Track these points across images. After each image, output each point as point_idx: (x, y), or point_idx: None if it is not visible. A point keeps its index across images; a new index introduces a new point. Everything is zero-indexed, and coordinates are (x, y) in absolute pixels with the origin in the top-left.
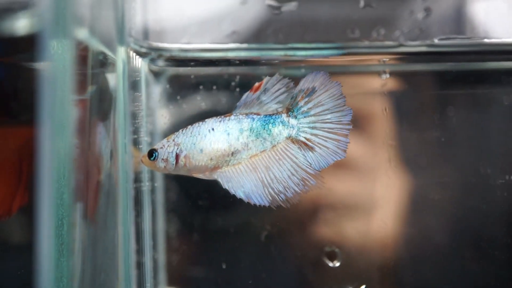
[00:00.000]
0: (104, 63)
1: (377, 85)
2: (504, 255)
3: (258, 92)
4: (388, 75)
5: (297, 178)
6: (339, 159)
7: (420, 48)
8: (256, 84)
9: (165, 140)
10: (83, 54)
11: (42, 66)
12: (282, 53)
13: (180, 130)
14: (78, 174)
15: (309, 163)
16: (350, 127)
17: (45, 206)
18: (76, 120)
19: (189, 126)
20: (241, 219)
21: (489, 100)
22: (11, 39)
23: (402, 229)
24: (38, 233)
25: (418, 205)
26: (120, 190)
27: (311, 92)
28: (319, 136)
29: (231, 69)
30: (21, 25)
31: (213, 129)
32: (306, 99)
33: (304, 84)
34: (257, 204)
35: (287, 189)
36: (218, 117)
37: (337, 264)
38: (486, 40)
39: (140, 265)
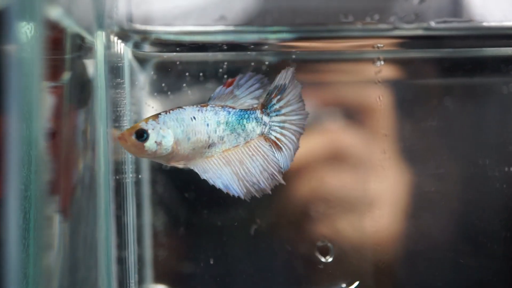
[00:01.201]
0: (82, 47)
1: (371, 72)
2: (501, 249)
3: (230, 87)
4: (382, 62)
5: (268, 174)
6: (291, 162)
7: (416, 31)
8: (229, 80)
9: (152, 121)
10: (57, 36)
11: (8, 48)
12: (271, 36)
13: (163, 113)
14: (51, 165)
15: (277, 160)
16: (303, 132)
17: (11, 198)
18: (48, 107)
19: (171, 111)
20: (230, 212)
21: (488, 89)
22: None
23: (397, 223)
24: (4, 228)
25: (414, 198)
26: (101, 181)
27: (282, 90)
28: (286, 137)
29: (219, 56)
30: None
31: (194, 117)
32: (279, 97)
33: (278, 80)
34: (235, 195)
35: (260, 182)
36: (195, 106)
37: (330, 259)
38: (484, 24)
39: (123, 260)
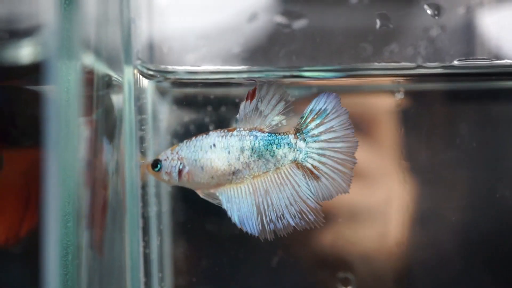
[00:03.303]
0: (109, 84)
1: (391, 104)
2: None
3: (254, 101)
4: (402, 95)
5: (295, 209)
6: (343, 193)
7: (438, 70)
8: (250, 91)
9: (169, 151)
10: (89, 77)
11: (47, 89)
12: (291, 73)
13: (185, 142)
14: (87, 199)
15: (312, 193)
16: (357, 161)
17: (52, 233)
18: (84, 141)
19: (193, 138)
20: (251, 243)
21: (506, 118)
22: (11, 66)
23: (416, 251)
24: (44, 261)
25: (433, 228)
26: (128, 214)
27: (322, 114)
28: (327, 166)
29: (240, 90)
30: (25, 52)
31: (214, 145)
32: (318, 122)
33: (315, 104)
34: (248, 232)
35: (279, 219)
36: (221, 130)
37: None
38: (507, 61)
39: None
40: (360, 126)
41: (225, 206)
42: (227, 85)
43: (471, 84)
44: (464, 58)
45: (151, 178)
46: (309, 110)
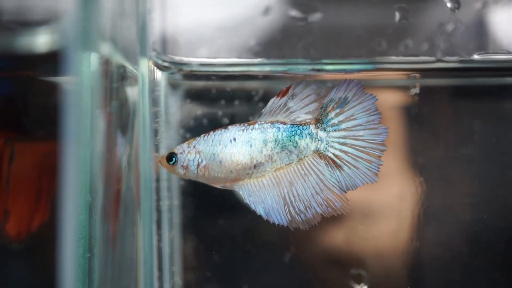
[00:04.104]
0: (124, 76)
1: (405, 100)
2: None
3: (285, 98)
4: (418, 90)
5: (321, 198)
6: (369, 183)
7: (457, 64)
8: (284, 88)
9: (185, 144)
10: (105, 68)
11: (63, 80)
12: (307, 67)
13: (202, 136)
14: (101, 192)
15: (336, 182)
16: (385, 148)
17: (67, 225)
18: (101, 133)
19: (211, 133)
20: (264, 239)
21: None
22: (26, 55)
23: (429, 248)
24: (60, 254)
25: (446, 225)
26: (143, 206)
27: (343, 102)
28: (349, 154)
29: (254, 83)
30: (41, 41)
31: (234, 139)
32: (337, 111)
33: (336, 93)
34: (276, 223)
35: (308, 209)
36: (241, 124)
37: (365, 287)
38: None
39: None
40: None
41: (247, 200)
42: (241, 78)
43: (485, 79)
44: (484, 52)
45: (164, 171)
46: (329, 99)
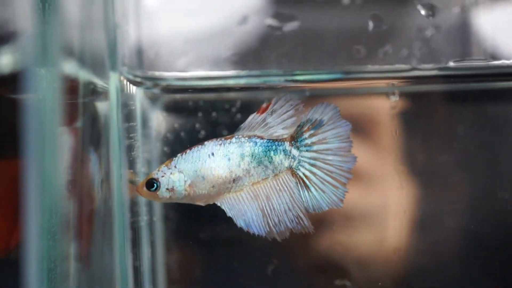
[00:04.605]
0: (95, 91)
1: (386, 106)
2: None
3: (264, 114)
4: (397, 97)
5: (292, 215)
6: (334, 208)
7: (433, 72)
8: (264, 105)
9: (164, 167)
10: (72, 84)
11: (25, 98)
12: (284, 78)
13: (179, 155)
14: (71, 210)
15: (304, 201)
16: (351, 176)
17: (31, 242)
18: (66, 151)
19: (188, 151)
20: (246, 252)
21: (503, 119)
22: None
23: (414, 257)
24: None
25: (431, 232)
26: (117, 225)
27: (318, 124)
28: (317, 176)
29: (232, 94)
30: (2, 61)
31: (212, 153)
32: (312, 132)
33: (313, 114)
34: (256, 233)
35: (281, 223)
36: (218, 139)
37: None
38: (504, 62)
39: None
40: (355, 129)
41: (229, 214)
42: (218, 90)
43: (467, 85)
44: (460, 59)
45: None
46: (306, 119)
